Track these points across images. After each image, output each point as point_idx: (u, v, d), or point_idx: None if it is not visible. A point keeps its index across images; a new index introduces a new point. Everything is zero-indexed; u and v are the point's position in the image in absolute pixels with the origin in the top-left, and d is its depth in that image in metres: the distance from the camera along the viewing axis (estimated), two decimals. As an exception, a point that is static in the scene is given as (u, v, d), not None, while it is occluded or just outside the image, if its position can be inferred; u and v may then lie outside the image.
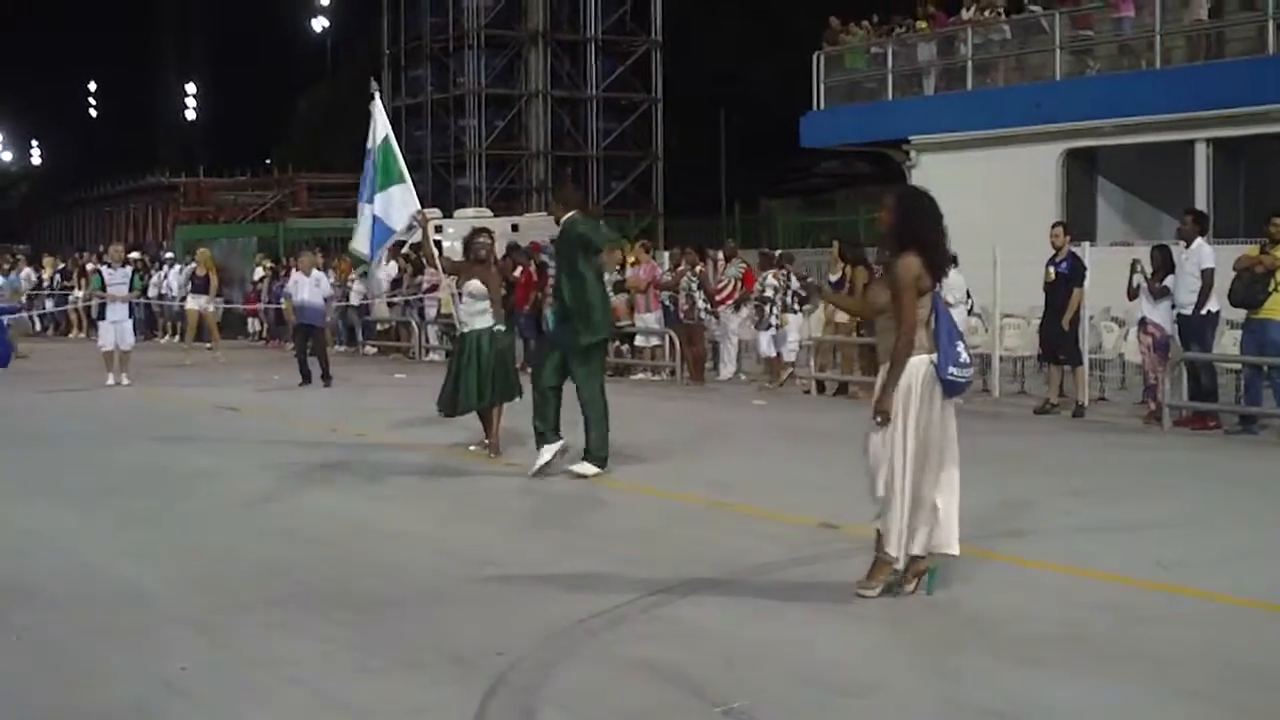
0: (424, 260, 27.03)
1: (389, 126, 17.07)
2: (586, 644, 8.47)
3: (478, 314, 16.16)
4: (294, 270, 28.50)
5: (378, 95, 17.07)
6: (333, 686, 7.75)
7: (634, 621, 8.96)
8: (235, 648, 8.53)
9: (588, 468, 14.75)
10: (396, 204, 16.62)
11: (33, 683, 7.98)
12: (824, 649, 8.31)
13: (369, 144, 16.87)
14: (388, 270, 33.91)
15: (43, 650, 8.57)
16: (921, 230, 9.19)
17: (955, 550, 9.32)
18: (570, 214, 15.38)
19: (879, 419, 9.14)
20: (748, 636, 8.60)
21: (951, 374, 9.10)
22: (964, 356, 9.24)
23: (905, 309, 9.08)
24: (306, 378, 25.56)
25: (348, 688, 7.74)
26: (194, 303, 33.82)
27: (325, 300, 27.01)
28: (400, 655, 8.30)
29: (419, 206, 16.81)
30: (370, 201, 16.69)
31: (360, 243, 17.15)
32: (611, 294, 19.02)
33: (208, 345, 34.70)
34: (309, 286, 26.10)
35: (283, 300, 31.32)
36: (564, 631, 8.66)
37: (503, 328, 16.34)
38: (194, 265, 36.30)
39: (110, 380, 25.41)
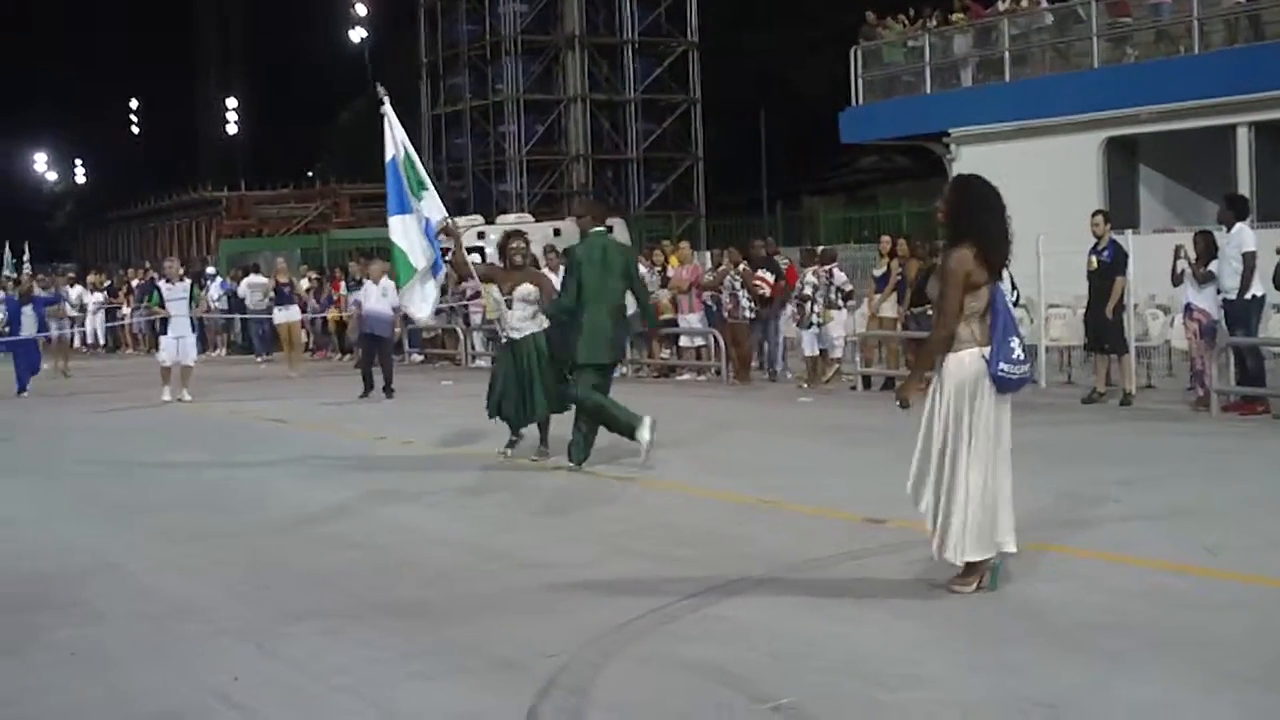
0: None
1: (404, 134, 16.74)
2: (635, 644, 8.48)
3: (530, 319, 16.13)
4: (364, 279, 28.35)
5: (387, 101, 16.68)
6: (383, 694, 7.78)
7: (682, 621, 8.97)
8: (286, 657, 8.57)
9: (643, 439, 15.34)
10: (433, 209, 16.40)
11: (86, 696, 8.03)
12: (872, 643, 8.30)
13: (390, 153, 16.49)
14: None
15: (95, 664, 8.62)
16: (978, 221, 9.03)
17: (1012, 548, 9.25)
18: (598, 228, 15.66)
19: (898, 403, 9.15)
20: (795, 633, 8.59)
21: (1002, 370, 8.92)
22: (1018, 353, 9.01)
23: (945, 301, 9.01)
24: (369, 387, 25.32)
25: (398, 694, 7.76)
26: (281, 315, 33.68)
27: (394, 310, 26.96)
28: (450, 660, 8.33)
29: (445, 214, 16.61)
30: (409, 211, 16.30)
31: (418, 258, 16.28)
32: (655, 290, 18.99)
33: (259, 359, 34.89)
34: (376, 295, 26.02)
35: (350, 309, 31.42)
36: (612, 632, 8.67)
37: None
38: (268, 278, 36.10)
39: (166, 396, 25.38)
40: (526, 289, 16.09)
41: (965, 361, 8.97)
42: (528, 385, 15.96)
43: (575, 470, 15.42)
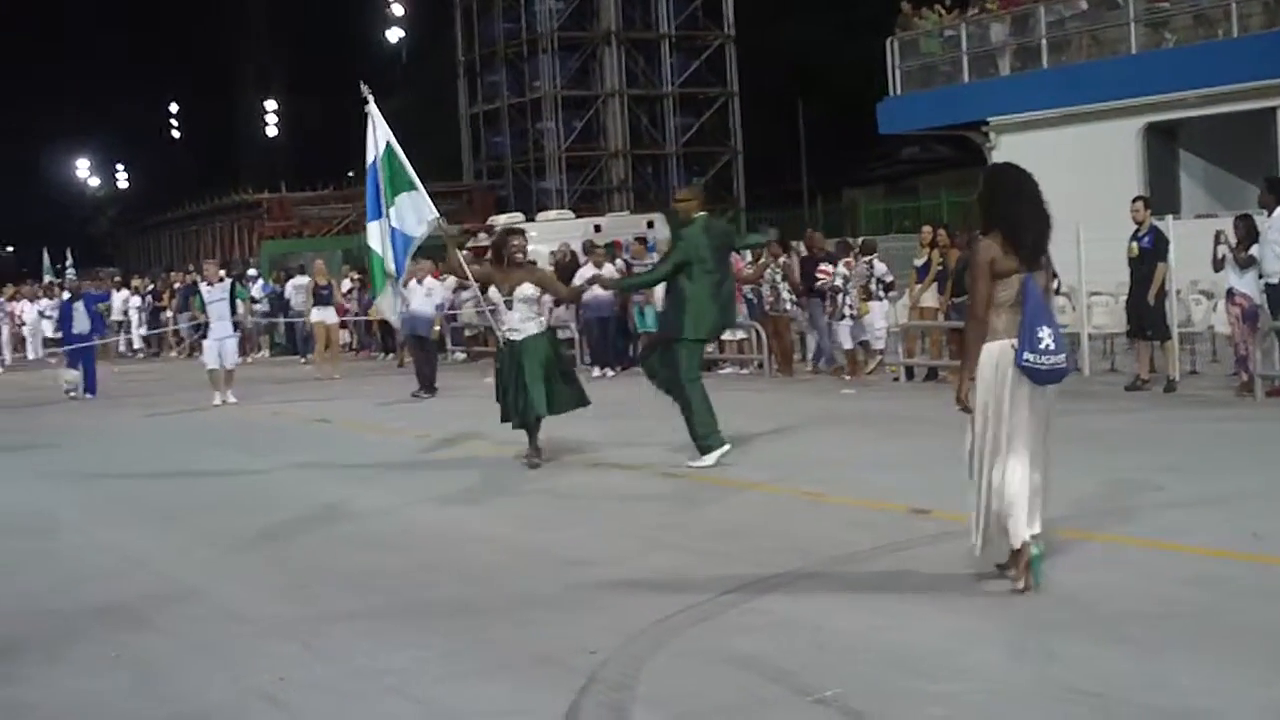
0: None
1: (389, 132, 16.37)
2: (677, 639, 8.47)
3: (531, 319, 15.87)
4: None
5: (371, 100, 16.42)
6: (426, 692, 7.80)
7: (725, 615, 8.96)
8: (331, 658, 8.59)
9: (703, 459, 15.19)
10: (409, 211, 16.15)
11: (132, 698, 8.08)
12: (916, 634, 8.27)
13: (370, 156, 16.31)
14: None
15: (141, 666, 8.66)
16: (1004, 209, 8.94)
17: (1036, 529, 9.00)
18: (701, 212, 15.66)
19: (959, 408, 9.09)
20: (839, 625, 8.58)
21: (1027, 360, 8.71)
22: (1046, 343, 8.73)
23: (972, 292, 9.00)
24: (424, 386, 25.31)
25: (441, 692, 7.78)
26: (318, 315, 33.72)
27: (436, 309, 26.96)
28: (493, 658, 8.35)
29: (436, 213, 16.34)
30: (384, 216, 16.16)
31: (389, 262, 16.30)
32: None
33: (303, 360, 34.96)
34: (420, 296, 26.07)
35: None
36: (654, 627, 8.67)
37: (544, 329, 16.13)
38: (308, 278, 36.09)
39: (217, 400, 25.44)
40: (527, 289, 15.83)
41: (994, 353, 8.86)
42: (524, 385, 15.59)
43: (724, 452, 15.29)
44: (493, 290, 16.02)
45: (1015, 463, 8.85)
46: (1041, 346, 8.72)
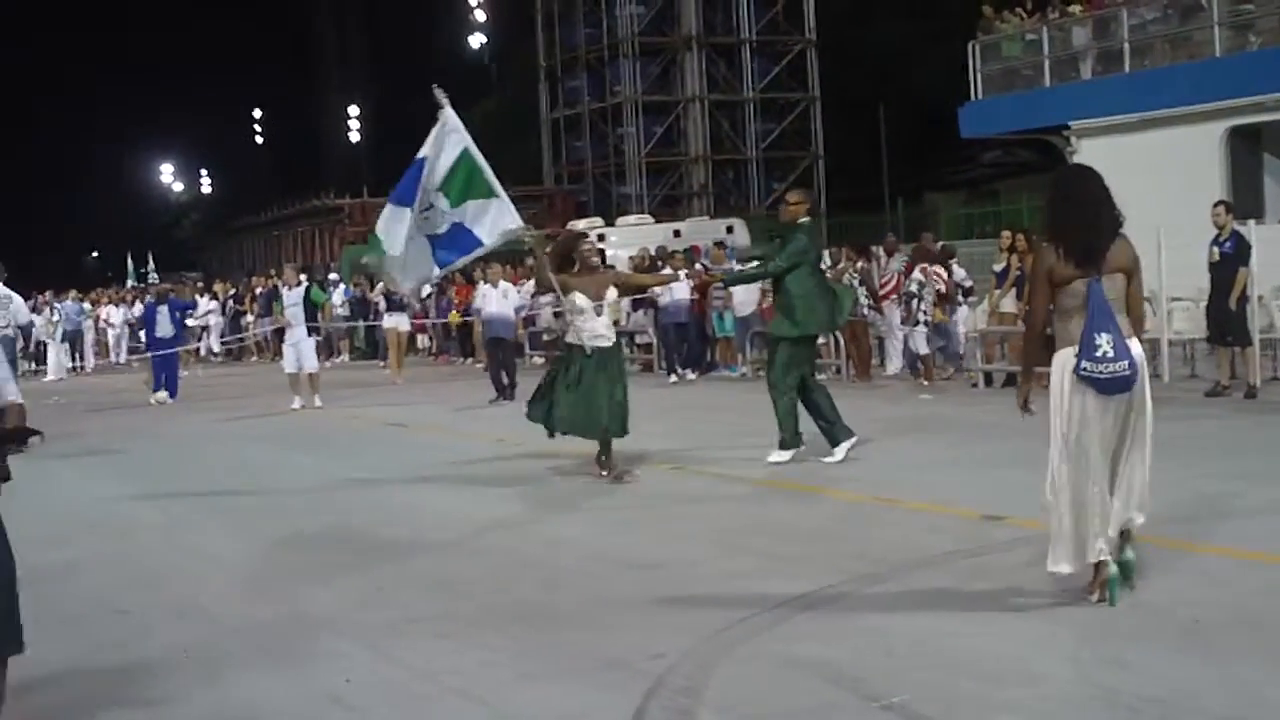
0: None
1: (469, 139, 15.70)
2: (745, 643, 8.46)
3: (612, 325, 15.70)
4: (481, 283, 28.40)
5: (446, 103, 15.86)
6: (493, 694, 7.81)
7: (793, 620, 8.94)
8: (398, 660, 8.62)
9: (778, 455, 15.55)
10: (492, 217, 15.51)
11: (199, 698, 8.13)
12: (985, 641, 8.22)
13: (422, 152, 15.61)
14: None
15: (210, 666, 8.70)
16: (1056, 214, 8.84)
17: (1100, 557, 8.74)
18: (808, 218, 15.76)
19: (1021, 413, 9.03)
20: (909, 631, 8.54)
21: (1084, 369, 8.56)
22: (1104, 349, 8.54)
23: (1031, 299, 8.96)
24: (500, 392, 25.17)
25: (509, 696, 7.79)
26: (391, 321, 33.80)
27: (515, 311, 26.96)
28: (561, 661, 8.35)
29: (520, 223, 15.76)
30: (407, 205, 15.50)
31: (394, 245, 15.52)
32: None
33: (383, 364, 35.09)
34: (497, 298, 26.11)
35: (473, 315, 31.60)
36: (723, 632, 8.66)
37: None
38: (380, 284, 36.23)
39: (295, 403, 25.62)
40: (613, 293, 15.76)
41: (1062, 361, 8.75)
42: (615, 400, 15.24)
43: (852, 441, 15.77)
44: (579, 296, 15.40)
45: (1085, 477, 8.71)
46: (1099, 354, 8.56)
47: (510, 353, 26.21)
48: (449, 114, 15.80)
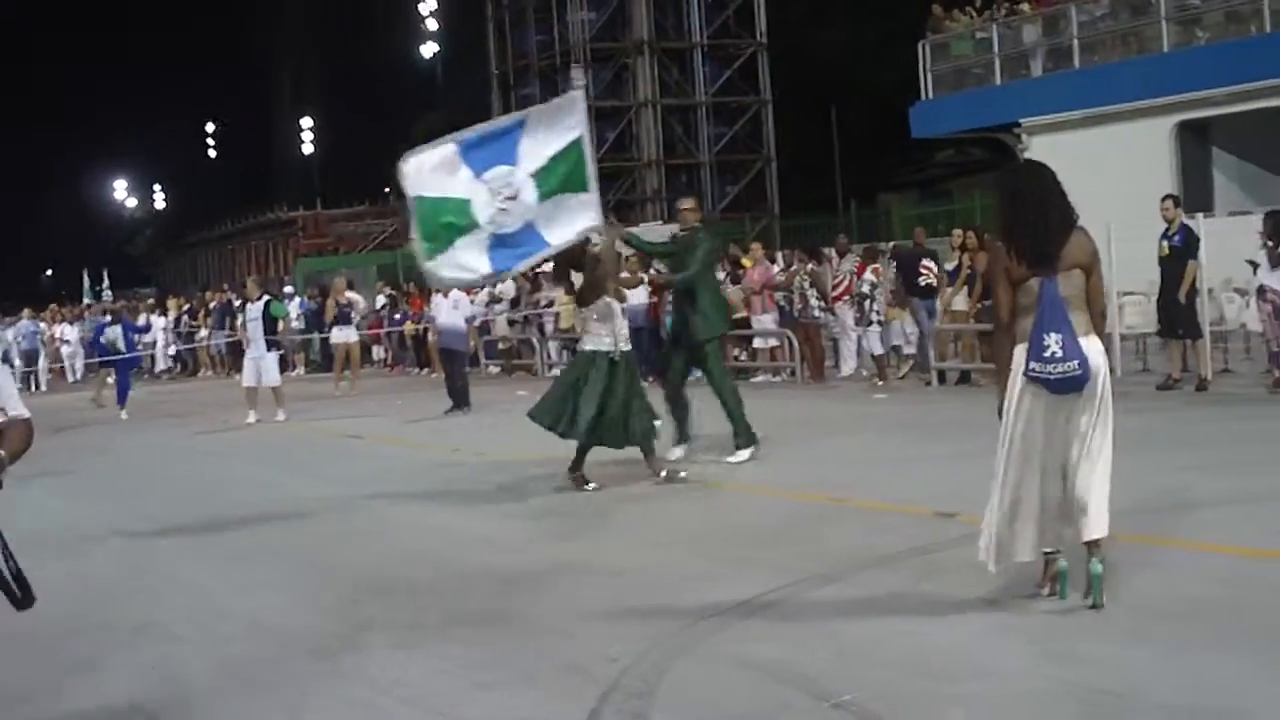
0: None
1: (586, 128, 14.87)
2: (699, 646, 8.47)
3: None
4: (435, 293, 28.30)
5: (581, 85, 15.11)
6: (448, 704, 7.80)
7: (747, 621, 8.94)
8: (353, 671, 8.59)
9: (740, 455, 15.78)
10: (573, 213, 14.70)
11: (162, 712, 8.13)
12: (937, 638, 8.25)
13: (539, 123, 14.67)
14: (505, 288, 33.88)
15: (171, 682, 8.69)
16: (1005, 214, 8.77)
17: (1026, 556, 8.80)
18: (699, 223, 15.95)
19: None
20: (860, 630, 8.56)
21: (1033, 369, 8.48)
22: (1052, 349, 8.42)
23: (994, 300, 8.92)
24: (456, 403, 24.86)
25: (462, 704, 7.78)
26: (339, 335, 33.75)
27: (467, 321, 26.83)
28: (516, 668, 8.34)
29: (602, 220, 15.08)
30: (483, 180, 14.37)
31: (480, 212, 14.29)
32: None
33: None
34: (448, 309, 25.99)
35: (428, 325, 31.64)
36: (676, 635, 8.67)
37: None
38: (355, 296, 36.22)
39: (252, 418, 25.44)
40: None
41: (1017, 359, 8.64)
42: (634, 409, 15.08)
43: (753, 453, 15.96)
44: (611, 300, 15.13)
45: (1029, 475, 8.66)
46: (1047, 354, 8.46)
47: (462, 363, 26.09)
48: (578, 97, 15.00)
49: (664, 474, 15.08)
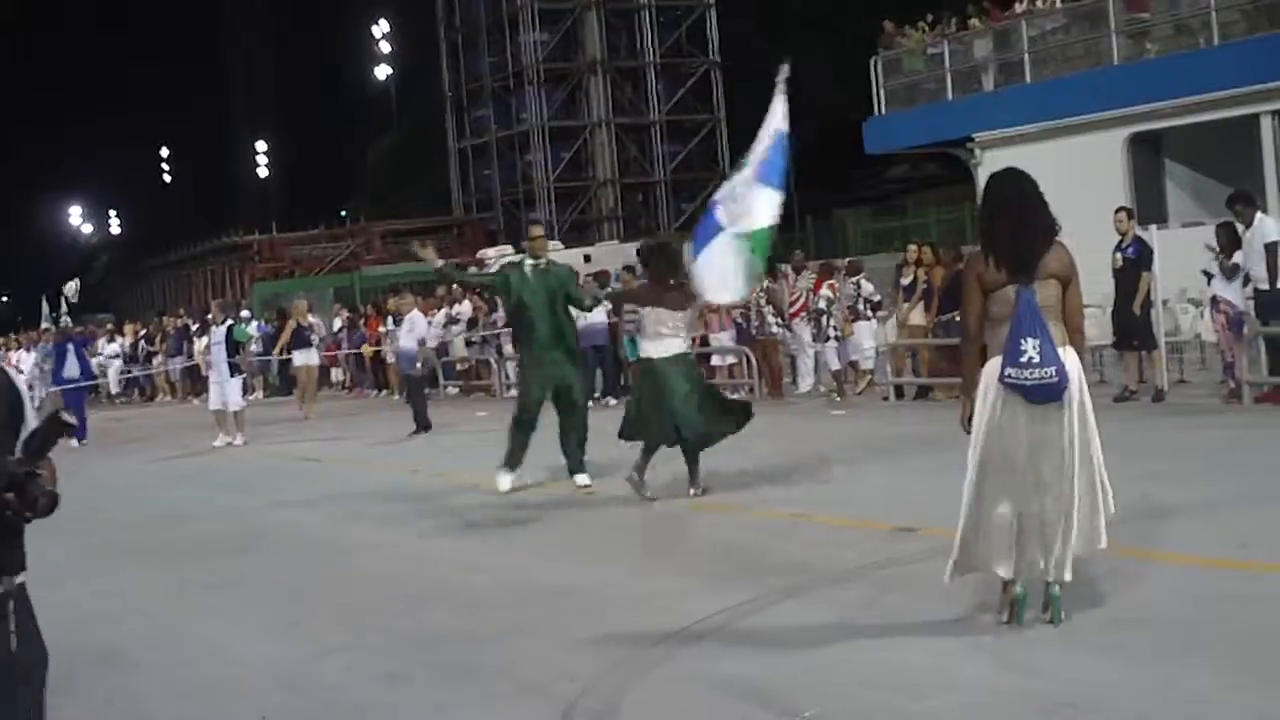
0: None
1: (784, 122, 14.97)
2: (661, 664, 8.46)
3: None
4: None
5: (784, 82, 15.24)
6: (408, 725, 7.80)
7: (709, 638, 8.94)
8: (314, 694, 8.59)
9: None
10: (761, 204, 14.77)
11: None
12: (900, 652, 8.25)
13: (782, 125, 14.99)
14: (463, 309, 33.85)
15: (130, 712, 8.67)
16: (984, 222, 8.72)
17: (1004, 574, 8.55)
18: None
19: (965, 429, 8.79)
20: (823, 645, 8.56)
21: (1009, 376, 8.33)
22: (1029, 355, 8.26)
23: (962, 310, 8.83)
24: (417, 425, 24.86)
25: (424, 725, 7.78)
26: (301, 358, 33.58)
27: (419, 343, 26.75)
28: (477, 687, 8.34)
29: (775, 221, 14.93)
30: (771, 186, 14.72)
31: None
32: None
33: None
34: (404, 332, 26.14)
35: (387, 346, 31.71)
36: (638, 653, 8.68)
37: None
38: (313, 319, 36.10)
39: (219, 441, 25.40)
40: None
41: (990, 371, 8.50)
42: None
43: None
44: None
45: (999, 491, 8.48)
46: (1024, 359, 8.31)
47: (415, 386, 26.00)
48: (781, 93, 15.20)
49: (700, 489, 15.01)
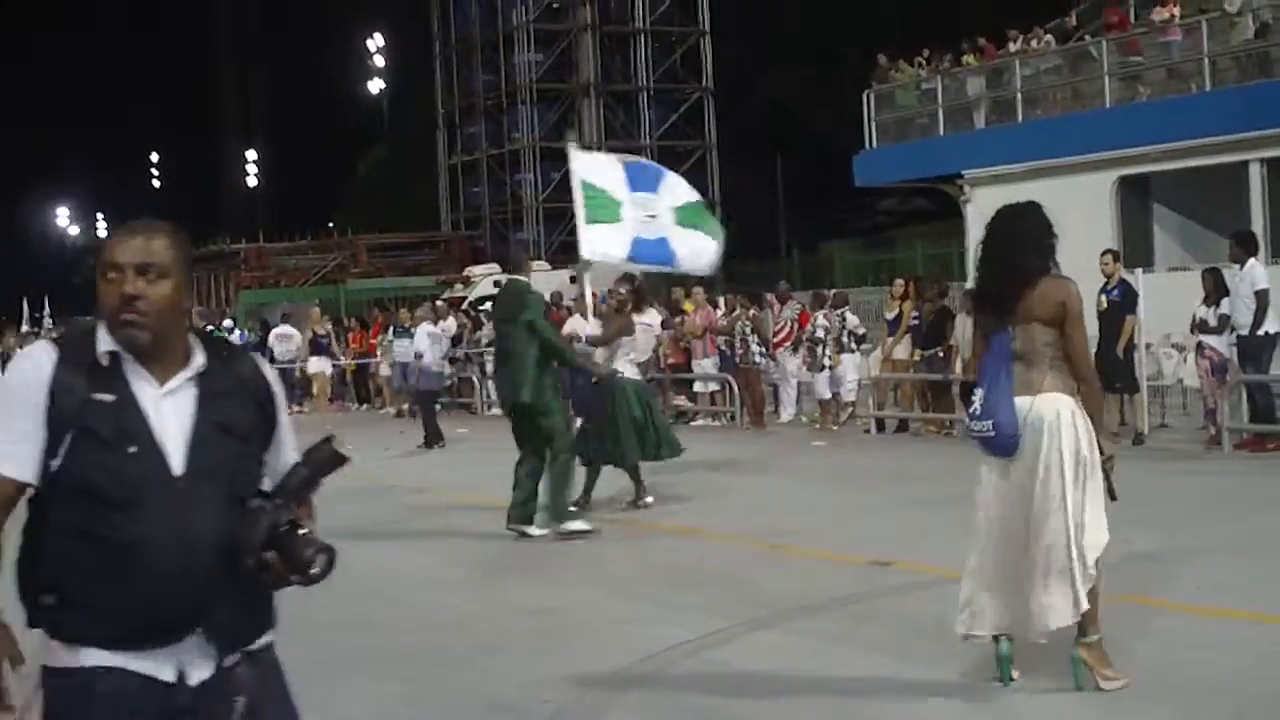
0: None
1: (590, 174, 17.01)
2: (635, 689, 8.48)
3: None
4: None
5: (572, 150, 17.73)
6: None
7: (682, 665, 8.95)
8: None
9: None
10: (696, 250, 16.95)
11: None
12: (873, 685, 8.28)
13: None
14: (448, 325, 33.80)
15: None
16: (976, 262, 8.51)
17: (1036, 636, 8.09)
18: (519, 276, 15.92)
19: None
20: (796, 676, 8.58)
21: (966, 426, 8.09)
22: (974, 406, 7.84)
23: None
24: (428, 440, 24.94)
25: (395, 742, 7.77)
26: (316, 365, 33.45)
27: (415, 357, 26.67)
28: (450, 708, 8.35)
29: (711, 268, 17.66)
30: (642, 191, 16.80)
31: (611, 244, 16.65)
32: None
33: (292, 409, 34.79)
34: (426, 346, 26.39)
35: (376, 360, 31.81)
36: (612, 677, 8.69)
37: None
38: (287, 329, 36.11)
39: None
40: None
41: None
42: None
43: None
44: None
45: (986, 543, 8.09)
46: (970, 410, 7.95)
47: (428, 400, 26.28)
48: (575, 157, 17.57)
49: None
